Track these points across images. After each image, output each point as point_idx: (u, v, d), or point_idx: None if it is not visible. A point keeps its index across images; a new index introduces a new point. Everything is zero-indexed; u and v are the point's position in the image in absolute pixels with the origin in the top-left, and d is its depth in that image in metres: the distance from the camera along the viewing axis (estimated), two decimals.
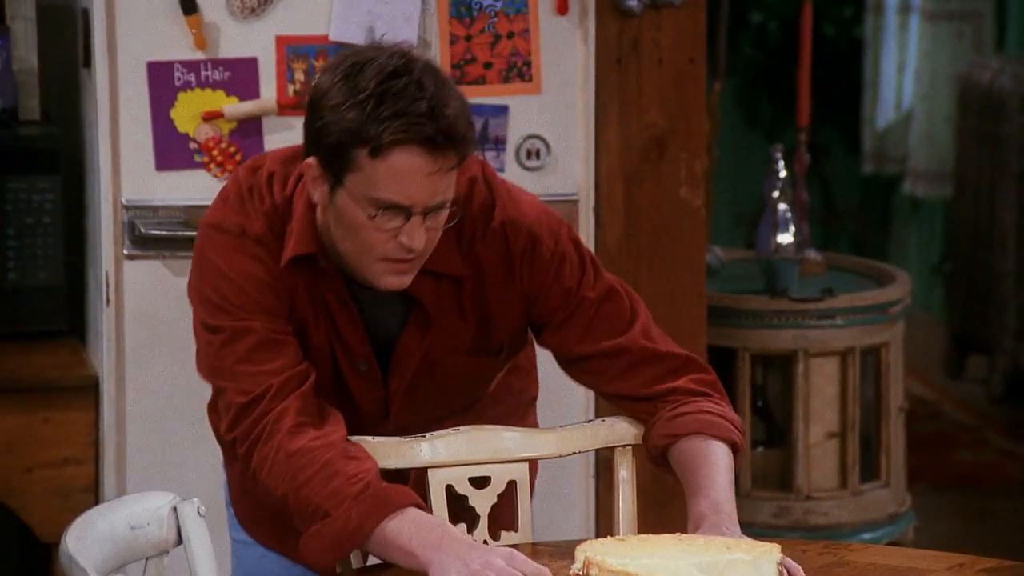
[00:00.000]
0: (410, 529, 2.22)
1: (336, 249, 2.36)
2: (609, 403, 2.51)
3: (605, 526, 3.43)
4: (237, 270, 2.35)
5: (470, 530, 2.44)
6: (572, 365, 2.48)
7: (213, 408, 2.46)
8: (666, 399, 2.43)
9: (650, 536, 2.27)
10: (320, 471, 2.25)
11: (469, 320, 2.43)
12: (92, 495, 3.36)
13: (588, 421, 2.54)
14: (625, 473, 2.51)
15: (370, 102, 2.23)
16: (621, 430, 2.51)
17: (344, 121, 2.24)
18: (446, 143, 2.24)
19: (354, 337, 2.41)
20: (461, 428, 2.46)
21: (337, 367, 2.42)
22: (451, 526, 2.30)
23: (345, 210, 2.29)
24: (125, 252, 3.34)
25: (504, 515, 2.49)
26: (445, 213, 2.30)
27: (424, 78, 2.25)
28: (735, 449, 2.40)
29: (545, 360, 2.56)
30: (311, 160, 2.31)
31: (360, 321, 2.40)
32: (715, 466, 2.36)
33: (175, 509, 2.26)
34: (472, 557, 2.17)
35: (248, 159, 2.51)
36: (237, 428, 2.33)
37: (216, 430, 2.46)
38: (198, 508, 2.26)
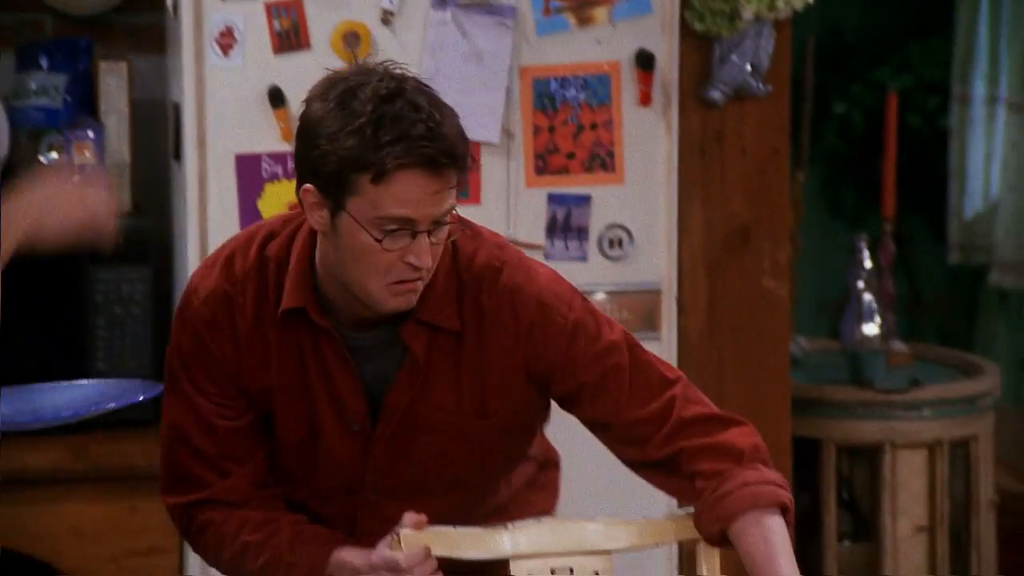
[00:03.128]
0: None
1: (333, 294, 2.35)
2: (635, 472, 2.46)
3: None
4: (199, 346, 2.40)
5: None
6: (607, 432, 2.43)
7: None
8: (707, 479, 2.38)
9: None
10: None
11: (464, 378, 2.40)
12: None
13: (672, 514, 2.51)
14: (707, 570, 2.47)
15: (368, 128, 2.23)
16: None
17: (343, 149, 2.24)
18: (447, 162, 2.26)
19: (351, 394, 2.39)
20: (543, 519, 2.45)
21: (318, 426, 2.41)
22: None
23: (348, 234, 2.28)
24: None
25: None
26: (447, 228, 2.31)
27: (418, 98, 2.26)
28: (785, 508, 2.36)
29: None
30: (308, 186, 2.30)
31: (358, 377, 2.39)
32: (773, 548, 2.32)
33: None
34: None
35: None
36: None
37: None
38: None
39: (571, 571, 2.45)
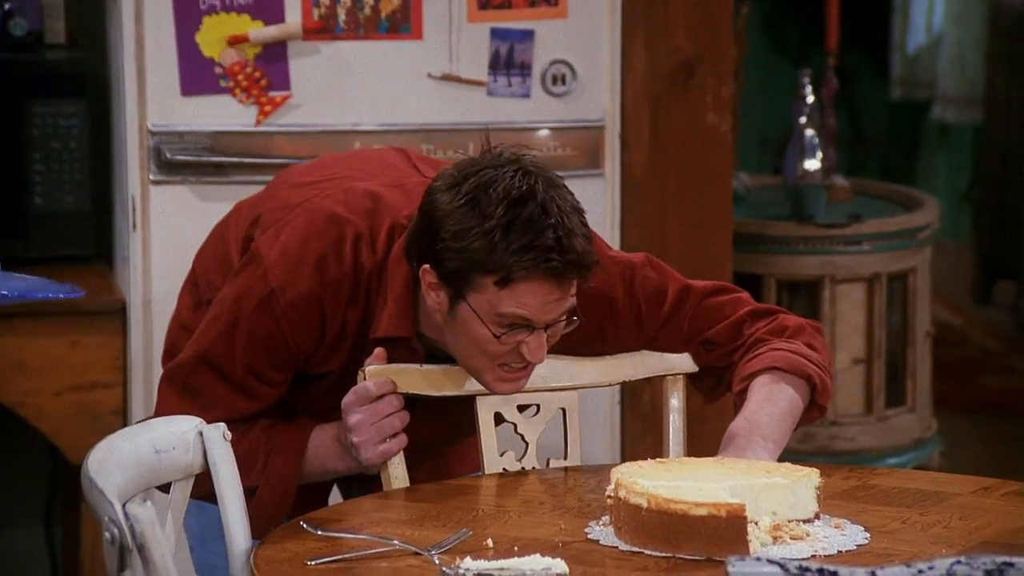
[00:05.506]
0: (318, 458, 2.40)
1: (432, 330, 2.36)
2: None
3: (630, 452, 3.44)
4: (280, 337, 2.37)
5: (519, 457, 2.46)
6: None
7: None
8: (744, 344, 2.45)
9: (692, 459, 2.28)
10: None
11: None
12: (121, 418, 3.38)
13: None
14: (676, 402, 2.51)
15: (497, 232, 2.22)
16: (671, 359, 2.51)
17: (469, 251, 2.24)
18: (573, 275, 2.26)
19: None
20: None
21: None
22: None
23: (465, 321, 2.29)
24: (151, 177, 3.35)
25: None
26: (563, 324, 2.32)
27: (548, 202, 2.24)
28: (812, 383, 2.41)
29: None
30: (427, 267, 2.29)
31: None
32: (768, 390, 2.37)
33: (201, 433, 2.27)
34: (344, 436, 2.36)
35: (319, 201, 2.42)
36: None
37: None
38: (223, 432, 2.27)
39: (537, 407, 2.48)
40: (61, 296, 2.81)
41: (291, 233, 2.38)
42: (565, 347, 2.44)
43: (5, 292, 2.77)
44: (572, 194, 2.30)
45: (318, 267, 2.35)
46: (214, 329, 2.41)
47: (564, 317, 2.30)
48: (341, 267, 2.35)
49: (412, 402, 2.40)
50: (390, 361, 2.38)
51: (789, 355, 2.40)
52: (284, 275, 2.35)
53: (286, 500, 2.40)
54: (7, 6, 3.52)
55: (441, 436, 2.52)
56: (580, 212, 2.29)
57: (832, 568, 1.82)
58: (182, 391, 2.41)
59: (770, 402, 2.37)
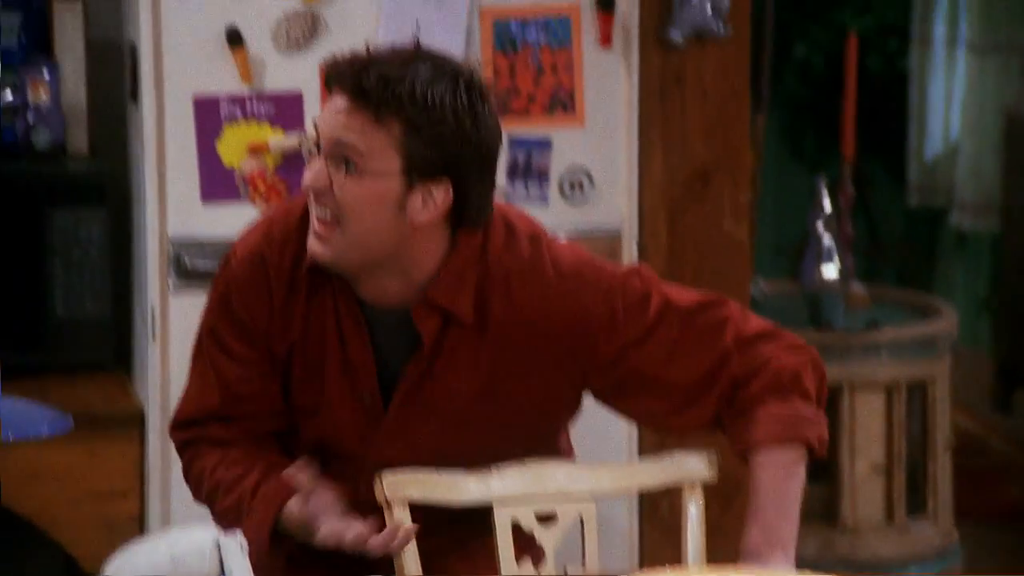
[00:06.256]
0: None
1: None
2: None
3: (649, 560, 3.41)
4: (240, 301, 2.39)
5: (536, 564, 2.43)
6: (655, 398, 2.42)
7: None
8: (735, 399, 2.38)
9: (711, 568, 2.26)
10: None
11: (485, 370, 2.35)
12: (138, 527, 3.36)
13: (655, 456, 2.50)
14: (694, 511, 2.47)
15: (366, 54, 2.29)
16: (690, 467, 2.48)
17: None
18: (361, 98, 2.25)
19: (363, 365, 2.36)
20: (527, 461, 2.42)
21: (329, 393, 2.37)
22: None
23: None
24: (171, 286, 3.35)
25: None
26: (341, 172, 2.27)
27: (418, 56, 2.29)
28: (810, 446, 2.36)
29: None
30: None
31: (369, 347, 2.36)
32: (775, 484, 2.33)
33: (218, 543, 2.26)
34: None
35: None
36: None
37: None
38: (240, 543, 2.26)
39: (555, 516, 2.44)
40: (51, 433, 2.79)
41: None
42: (535, 363, 2.35)
43: None
44: (474, 103, 2.34)
45: (266, 228, 2.38)
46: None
47: (341, 152, 2.25)
48: (287, 225, 2.36)
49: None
50: (320, 302, 2.33)
51: (788, 422, 2.35)
52: (239, 241, 2.41)
53: (262, 553, 2.34)
54: (30, 118, 3.55)
55: (457, 541, 2.49)
56: (442, 94, 2.28)
57: None
58: (195, 374, 2.45)
59: (779, 495, 2.33)
